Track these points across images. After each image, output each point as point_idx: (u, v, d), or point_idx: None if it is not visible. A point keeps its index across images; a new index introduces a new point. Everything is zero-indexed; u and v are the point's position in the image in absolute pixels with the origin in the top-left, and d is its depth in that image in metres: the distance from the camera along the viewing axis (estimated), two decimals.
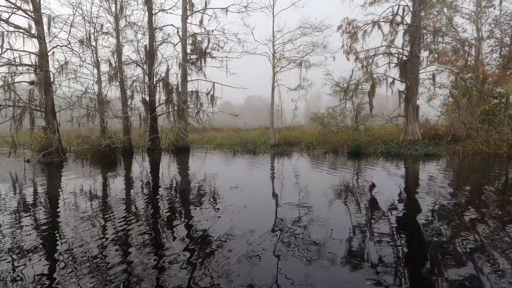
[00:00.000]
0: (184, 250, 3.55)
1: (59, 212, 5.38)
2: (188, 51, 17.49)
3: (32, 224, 4.70)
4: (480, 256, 3.28)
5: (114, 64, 16.76)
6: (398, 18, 16.92)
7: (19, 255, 3.46)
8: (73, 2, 15.83)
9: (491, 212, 4.98)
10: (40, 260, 3.36)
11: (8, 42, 13.89)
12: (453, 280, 2.82)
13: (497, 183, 7.57)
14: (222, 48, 17.57)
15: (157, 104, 17.08)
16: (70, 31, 15.16)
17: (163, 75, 16.83)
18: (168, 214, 5.22)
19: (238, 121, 25.03)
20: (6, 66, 13.84)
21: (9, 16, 13.57)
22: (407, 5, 16.69)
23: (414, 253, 3.47)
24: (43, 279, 2.93)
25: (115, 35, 17.33)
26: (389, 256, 3.32)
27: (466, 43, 19.05)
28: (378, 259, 3.26)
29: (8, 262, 3.30)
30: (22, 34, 14.13)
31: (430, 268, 3.08)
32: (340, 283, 2.84)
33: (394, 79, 17.22)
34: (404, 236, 3.98)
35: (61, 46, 15.11)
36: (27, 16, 14.01)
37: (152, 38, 16.73)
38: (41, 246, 3.80)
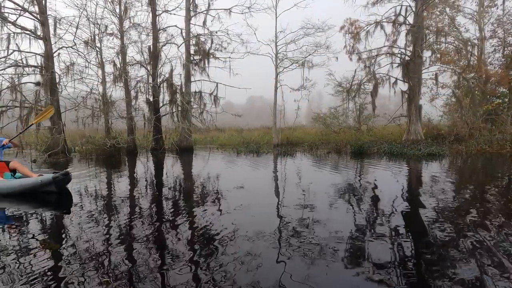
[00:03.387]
0: (187, 249, 3.62)
1: (68, 210, 5.49)
2: (192, 51, 17.61)
3: (44, 221, 4.82)
4: (483, 254, 3.36)
5: (118, 65, 16.94)
6: (401, 19, 16.99)
7: (24, 253, 3.58)
8: (78, 4, 16.06)
9: (496, 210, 5.05)
10: (44, 257, 3.46)
11: (16, 44, 14.10)
12: (457, 279, 2.90)
13: (502, 183, 7.63)
14: (225, 48, 17.72)
15: (161, 105, 17.23)
16: (75, 33, 15.37)
17: (167, 75, 16.98)
18: (173, 213, 5.30)
19: (240, 121, 25.12)
20: (13, 67, 14.04)
21: (17, 18, 13.80)
22: (409, 6, 16.76)
23: (424, 250, 3.56)
24: (53, 278, 3.04)
25: (119, 36, 17.48)
26: (394, 255, 3.40)
27: (469, 43, 19.07)
28: (385, 257, 3.34)
29: (13, 257, 3.43)
30: (28, 36, 14.32)
31: (434, 267, 3.16)
32: (343, 282, 2.91)
33: (396, 79, 17.28)
34: (413, 234, 4.06)
35: (66, 47, 15.32)
36: (33, 18, 14.20)
37: (156, 39, 16.87)
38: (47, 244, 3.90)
